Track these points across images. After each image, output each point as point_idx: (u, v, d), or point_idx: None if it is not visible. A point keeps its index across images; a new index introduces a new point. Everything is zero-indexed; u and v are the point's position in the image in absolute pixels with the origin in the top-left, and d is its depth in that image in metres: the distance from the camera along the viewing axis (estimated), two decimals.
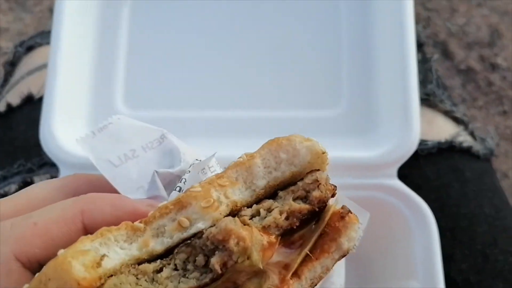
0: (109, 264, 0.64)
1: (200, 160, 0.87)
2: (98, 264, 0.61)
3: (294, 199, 0.74)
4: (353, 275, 1.19)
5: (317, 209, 0.74)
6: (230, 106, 1.35)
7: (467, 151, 1.43)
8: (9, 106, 1.53)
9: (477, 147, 1.46)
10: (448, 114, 1.50)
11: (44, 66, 1.52)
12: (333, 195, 0.76)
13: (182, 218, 0.69)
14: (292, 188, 0.76)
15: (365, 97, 1.32)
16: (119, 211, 0.77)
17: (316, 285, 0.75)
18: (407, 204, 1.19)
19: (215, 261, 0.65)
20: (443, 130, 1.47)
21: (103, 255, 0.63)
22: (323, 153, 0.78)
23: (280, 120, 1.31)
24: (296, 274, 0.73)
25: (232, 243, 0.66)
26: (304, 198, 0.75)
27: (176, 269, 0.67)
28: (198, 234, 0.69)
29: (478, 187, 1.40)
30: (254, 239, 0.68)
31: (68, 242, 0.72)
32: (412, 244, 1.16)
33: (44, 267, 0.62)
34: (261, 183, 0.76)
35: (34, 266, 0.74)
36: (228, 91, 1.37)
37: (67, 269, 0.58)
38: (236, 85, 1.37)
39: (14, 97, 1.55)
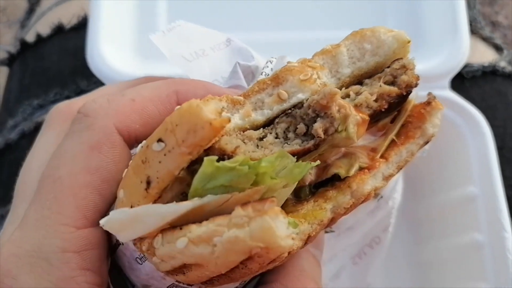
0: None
1: (277, 58, 0.88)
2: (220, 115, 0.61)
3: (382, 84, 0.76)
4: (410, 189, 1.19)
5: (404, 93, 0.76)
6: (276, 28, 1.33)
7: (508, 76, 1.46)
8: (39, 36, 1.47)
9: None
10: (488, 40, 1.52)
11: None
12: (416, 85, 0.78)
13: (281, 91, 0.71)
14: (379, 75, 0.78)
15: (413, 13, 1.34)
16: (211, 93, 0.74)
17: (401, 169, 0.78)
18: (461, 114, 1.21)
19: (318, 126, 0.67)
20: (485, 55, 1.48)
21: (223, 108, 0.64)
22: (408, 42, 0.79)
23: (327, 40, 1.29)
24: (383, 157, 0.77)
25: (334, 109, 0.67)
26: (392, 83, 0.77)
27: (277, 137, 0.68)
28: (298, 105, 0.71)
29: None
30: (353, 112, 0.69)
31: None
32: (468, 152, 1.18)
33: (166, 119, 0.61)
34: (346, 71, 0.77)
35: (132, 143, 0.72)
36: (273, 13, 1.35)
37: (197, 112, 0.57)
38: (281, 7, 1.35)
39: (43, 27, 1.50)
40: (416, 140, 0.79)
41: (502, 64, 1.47)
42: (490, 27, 3.12)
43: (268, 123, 0.71)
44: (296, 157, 0.65)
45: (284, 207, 0.67)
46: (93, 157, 0.69)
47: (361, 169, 0.74)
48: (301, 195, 0.72)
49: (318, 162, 0.66)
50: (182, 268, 0.61)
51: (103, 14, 1.24)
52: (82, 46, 1.27)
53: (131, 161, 0.65)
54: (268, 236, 0.54)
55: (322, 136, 0.67)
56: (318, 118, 0.68)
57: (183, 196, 0.62)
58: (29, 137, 1.32)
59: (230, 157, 0.61)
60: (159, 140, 0.60)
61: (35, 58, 1.46)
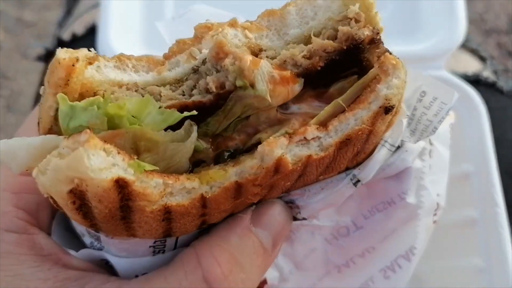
0: (112, 75, 0.65)
1: None
2: (89, 62, 0.62)
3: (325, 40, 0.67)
4: None
5: (345, 47, 0.66)
6: None
7: (491, 86, 1.45)
8: (73, 35, 1.59)
9: (501, 83, 1.48)
10: (474, 52, 1.53)
11: None
12: (373, 41, 0.67)
13: (193, 49, 0.68)
14: (323, 30, 0.69)
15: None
16: None
17: (350, 139, 0.67)
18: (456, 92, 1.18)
19: (211, 79, 0.64)
20: (469, 65, 1.48)
21: (94, 56, 0.63)
22: None
23: None
24: (324, 125, 0.67)
25: (227, 61, 0.63)
26: (335, 38, 0.67)
27: (183, 94, 0.66)
28: (204, 61, 0.67)
29: (502, 115, 1.41)
30: (260, 67, 0.63)
31: None
32: (463, 129, 1.14)
33: None
34: (295, 32, 0.71)
35: None
36: None
37: (55, 56, 0.60)
38: None
39: (79, 27, 1.61)
40: (367, 105, 0.66)
41: (485, 74, 1.47)
42: (506, 56, 3.14)
43: (182, 81, 0.68)
44: (199, 114, 0.62)
45: (195, 168, 0.65)
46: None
47: (286, 134, 0.66)
48: (219, 160, 0.67)
49: (194, 112, 0.62)
50: (56, 203, 0.61)
51: (114, 5, 1.30)
52: None
53: None
54: (80, 166, 0.53)
55: (215, 89, 0.64)
56: (215, 72, 0.65)
57: None
58: None
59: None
60: (42, 84, 0.63)
61: None
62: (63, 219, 0.80)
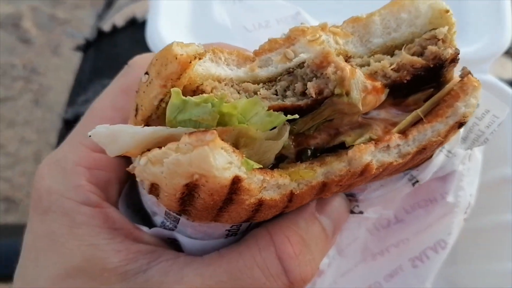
0: (213, 70, 0.68)
1: None
2: (199, 57, 0.64)
3: (411, 55, 0.72)
4: None
5: (431, 65, 0.71)
6: None
7: None
8: (114, 27, 1.64)
9: None
10: None
11: None
12: (454, 60, 0.73)
13: (287, 50, 0.71)
14: (409, 45, 0.74)
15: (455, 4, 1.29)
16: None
17: (425, 149, 0.74)
18: (500, 97, 1.14)
19: (311, 85, 0.67)
20: None
21: (203, 52, 0.66)
22: (447, 11, 0.73)
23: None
24: (404, 133, 0.72)
25: (329, 70, 0.67)
26: (420, 55, 0.72)
27: (276, 94, 0.69)
28: (301, 65, 0.70)
29: None
30: (356, 77, 0.68)
31: None
32: (506, 134, 1.14)
33: None
34: (378, 41, 0.75)
35: None
36: None
37: (169, 48, 0.63)
38: None
39: (119, 19, 1.67)
40: (445, 119, 0.73)
41: None
42: None
43: (274, 80, 0.71)
44: (298, 117, 0.66)
45: (281, 163, 0.69)
46: (120, 98, 0.82)
47: (371, 140, 0.71)
48: (302, 157, 0.71)
49: (296, 116, 0.66)
50: (154, 190, 0.65)
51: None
52: None
53: None
54: (204, 164, 0.57)
55: (314, 95, 0.67)
56: (315, 78, 0.68)
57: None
58: None
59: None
60: (146, 73, 0.66)
61: (110, 45, 1.62)
62: (128, 196, 0.85)
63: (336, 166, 0.69)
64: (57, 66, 3.38)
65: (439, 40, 0.72)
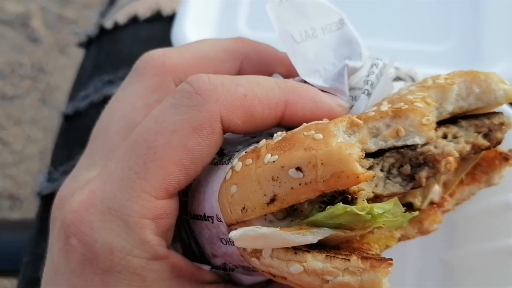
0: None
1: (383, 62, 0.85)
2: (360, 160, 0.64)
3: (477, 134, 0.79)
4: None
5: (491, 148, 0.79)
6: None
7: None
8: (116, 24, 1.63)
9: None
10: None
11: None
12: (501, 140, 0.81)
13: (400, 128, 0.72)
14: (476, 122, 0.79)
15: (473, 32, 1.34)
16: (318, 108, 0.77)
17: (459, 203, 0.84)
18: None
19: (423, 175, 0.71)
20: None
21: (363, 150, 0.66)
22: None
23: (389, 50, 1.30)
24: (451, 195, 0.82)
25: (443, 164, 0.71)
26: (485, 135, 0.79)
27: (382, 170, 0.70)
28: (412, 147, 0.72)
29: None
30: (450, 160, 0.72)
31: (263, 127, 0.75)
32: None
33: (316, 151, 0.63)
34: (449, 108, 0.79)
35: (227, 132, 0.75)
36: None
37: (348, 161, 0.60)
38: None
39: (121, 17, 1.67)
40: (480, 184, 0.84)
41: None
42: None
43: (377, 154, 0.72)
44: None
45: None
46: (191, 137, 0.71)
47: (431, 203, 0.79)
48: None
49: (417, 213, 0.71)
50: (274, 276, 0.66)
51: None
52: (152, 35, 1.46)
53: (250, 161, 0.68)
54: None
55: (423, 184, 0.71)
56: (425, 167, 0.71)
57: (292, 210, 0.68)
58: (97, 107, 1.45)
59: (352, 196, 0.66)
60: (298, 169, 0.62)
61: (111, 42, 1.62)
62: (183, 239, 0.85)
63: (410, 232, 0.77)
64: (64, 65, 3.40)
65: (504, 127, 0.80)
